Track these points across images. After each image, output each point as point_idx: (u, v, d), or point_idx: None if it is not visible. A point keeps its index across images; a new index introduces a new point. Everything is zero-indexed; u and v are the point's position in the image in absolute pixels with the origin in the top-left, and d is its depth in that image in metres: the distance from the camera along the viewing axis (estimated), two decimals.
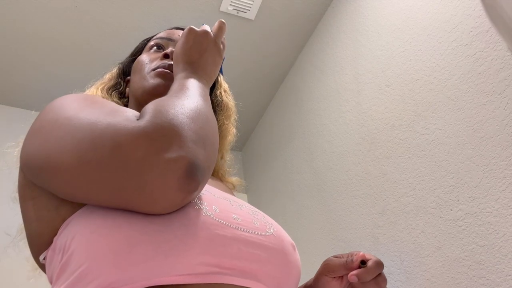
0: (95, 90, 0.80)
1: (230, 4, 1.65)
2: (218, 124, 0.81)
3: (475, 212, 0.82)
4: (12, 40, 1.75)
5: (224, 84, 0.88)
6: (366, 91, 1.30)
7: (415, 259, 0.95)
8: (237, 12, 1.68)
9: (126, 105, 0.79)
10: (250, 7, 1.66)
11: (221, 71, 0.85)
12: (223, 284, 0.46)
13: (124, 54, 0.93)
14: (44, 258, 0.49)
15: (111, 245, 0.42)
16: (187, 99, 0.49)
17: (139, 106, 0.72)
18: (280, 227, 0.60)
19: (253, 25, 1.75)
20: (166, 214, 0.45)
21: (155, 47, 0.78)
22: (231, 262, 0.48)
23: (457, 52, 0.95)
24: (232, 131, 0.84)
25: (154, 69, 0.71)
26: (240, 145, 2.44)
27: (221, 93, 0.84)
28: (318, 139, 1.56)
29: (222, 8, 1.66)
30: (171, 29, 0.85)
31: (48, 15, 1.65)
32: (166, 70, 0.70)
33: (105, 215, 0.44)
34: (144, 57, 0.76)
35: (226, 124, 0.82)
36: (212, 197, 0.54)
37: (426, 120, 1.01)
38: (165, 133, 0.41)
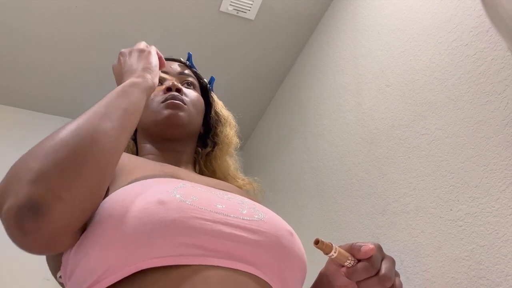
0: None
1: (230, 4, 1.65)
2: (221, 136, 0.88)
3: (475, 212, 0.82)
4: (12, 40, 1.75)
5: (218, 101, 0.93)
6: (366, 91, 1.30)
7: (415, 259, 0.94)
8: (237, 12, 1.68)
9: (135, 135, 0.84)
10: (250, 7, 1.66)
11: (212, 88, 0.91)
12: (210, 266, 0.47)
13: None
14: (60, 276, 0.52)
15: (96, 241, 0.45)
16: (61, 130, 0.47)
17: (150, 137, 0.77)
18: (277, 217, 0.60)
19: (253, 25, 1.75)
20: (142, 202, 0.47)
21: None
22: (214, 242, 0.48)
23: (457, 52, 0.95)
24: (234, 140, 0.91)
25: (163, 102, 0.75)
26: (240, 145, 2.44)
27: (217, 110, 0.90)
28: (318, 139, 1.56)
29: (222, 8, 1.66)
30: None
31: (48, 15, 1.65)
32: (175, 101, 0.75)
33: (94, 227, 0.47)
34: None
35: (229, 133, 0.89)
36: (193, 190, 0.55)
37: (426, 120, 1.00)
38: (3, 187, 0.44)
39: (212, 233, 0.48)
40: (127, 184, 0.54)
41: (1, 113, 2.03)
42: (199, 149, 0.90)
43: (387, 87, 1.19)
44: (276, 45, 1.85)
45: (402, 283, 0.78)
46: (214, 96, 0.92)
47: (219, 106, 0.91)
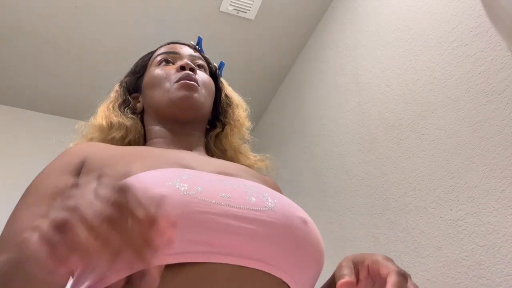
0: (106, 110, 0.79)
1: (230, 4, 1.65)
2: (232, 117, 0.85)
3: (475, 212, 0.82)
4: (12, 40, 1.75)
5: (227, 86, 0.91)
6: (366, 91, 1.30)
7: (415, 259, 0.94)
8: (237, 12, 1.68)
9: (141, 120, 0.81)
10: (250, 7, 1.66)
11: (221, 73, 0.91)
12: (217, 263, 0.44)
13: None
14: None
15: None
16: None
17: (160, 119, 0.75)
18: (288, 203, 0.56)
19: (253, 25, 1.75)
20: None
21: (163, 62, 0.79)
22: (221, 238, 0.45)
23: (457, 52, 0.95)
24: (246, 121, 0.87)
25: (177, 81, 0.73)
26: None
27: (227, 93, 0.88)
28: (318, 139, 1.56)
29: (222, 8, 1.67)
30: (169, 44, 0.86)
31: (48, 15, 1.65)
32: (190, 82, 0.72)
33: None
34: (158, 71, 0.77)
35: (240, 114, 0.86)
36: (198, 180, 0.52)
37: (426, 120, 1.00)
38: None
39: (218, 227, 0.46)
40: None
41: (1, 113, 2.03)
42: (209, 126, 0.86)
43: (387, 87, 1.19)
44: (276, 45, 1.85)
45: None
46: (224, 81, 0.92)
47: (230, 89, 0.90)
